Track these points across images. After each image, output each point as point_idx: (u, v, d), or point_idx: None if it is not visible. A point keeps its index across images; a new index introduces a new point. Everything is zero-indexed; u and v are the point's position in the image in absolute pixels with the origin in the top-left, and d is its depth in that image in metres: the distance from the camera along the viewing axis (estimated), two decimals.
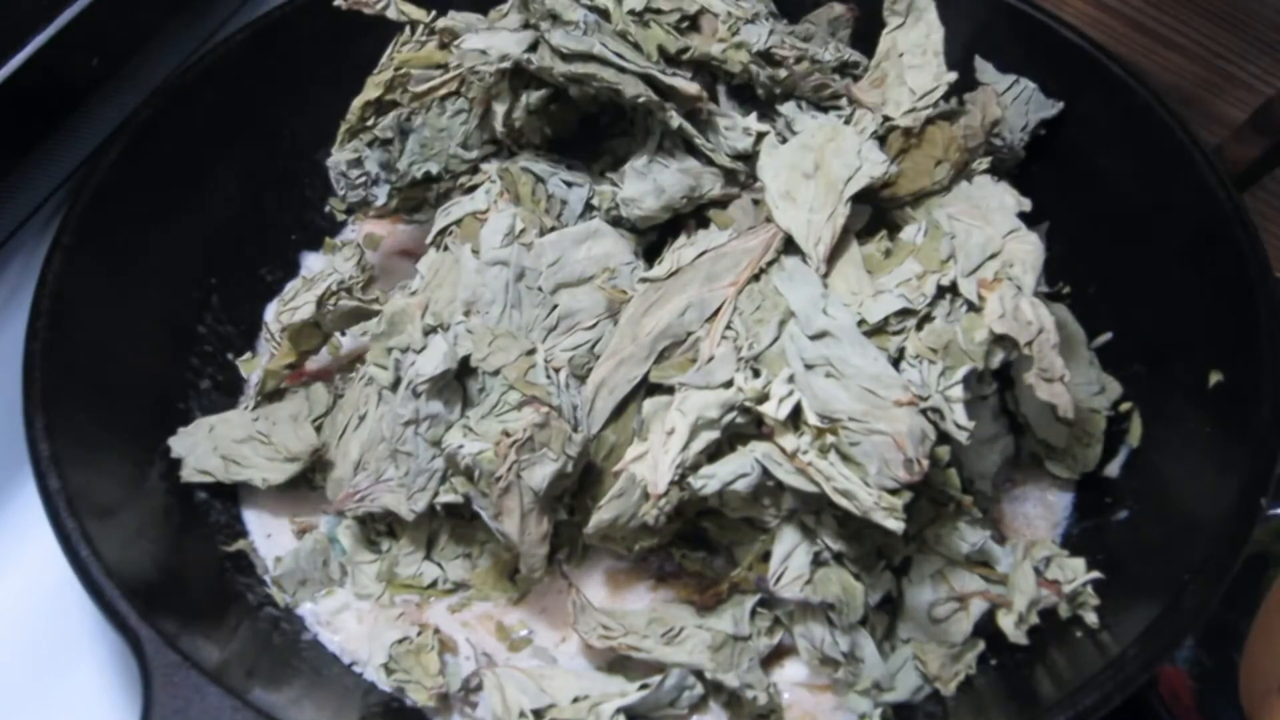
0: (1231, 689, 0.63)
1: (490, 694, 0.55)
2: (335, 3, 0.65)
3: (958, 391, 0.53)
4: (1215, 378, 0.60)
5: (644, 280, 0.60)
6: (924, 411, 0.53)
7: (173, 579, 0.56)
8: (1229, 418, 0.58)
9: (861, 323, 0.55)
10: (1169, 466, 0.62)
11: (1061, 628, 0.57)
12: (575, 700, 0.54)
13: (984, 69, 0.72)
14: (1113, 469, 0.64)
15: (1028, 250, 0.57)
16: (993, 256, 0.57)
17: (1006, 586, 0.58)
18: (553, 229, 0.62)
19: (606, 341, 0.59)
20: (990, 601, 0.57)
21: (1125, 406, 0.65)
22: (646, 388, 0.58)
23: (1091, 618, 0.56)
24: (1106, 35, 0.90)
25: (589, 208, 0.64)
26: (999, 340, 0.54)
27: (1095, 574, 0.57)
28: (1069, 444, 0.64)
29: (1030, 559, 0.58)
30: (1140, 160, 0.68)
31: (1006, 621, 0.57)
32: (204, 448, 0.62)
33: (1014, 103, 0.71)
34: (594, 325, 0.60)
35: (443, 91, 0.65)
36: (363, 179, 0.66)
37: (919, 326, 0.56)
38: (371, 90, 0.66)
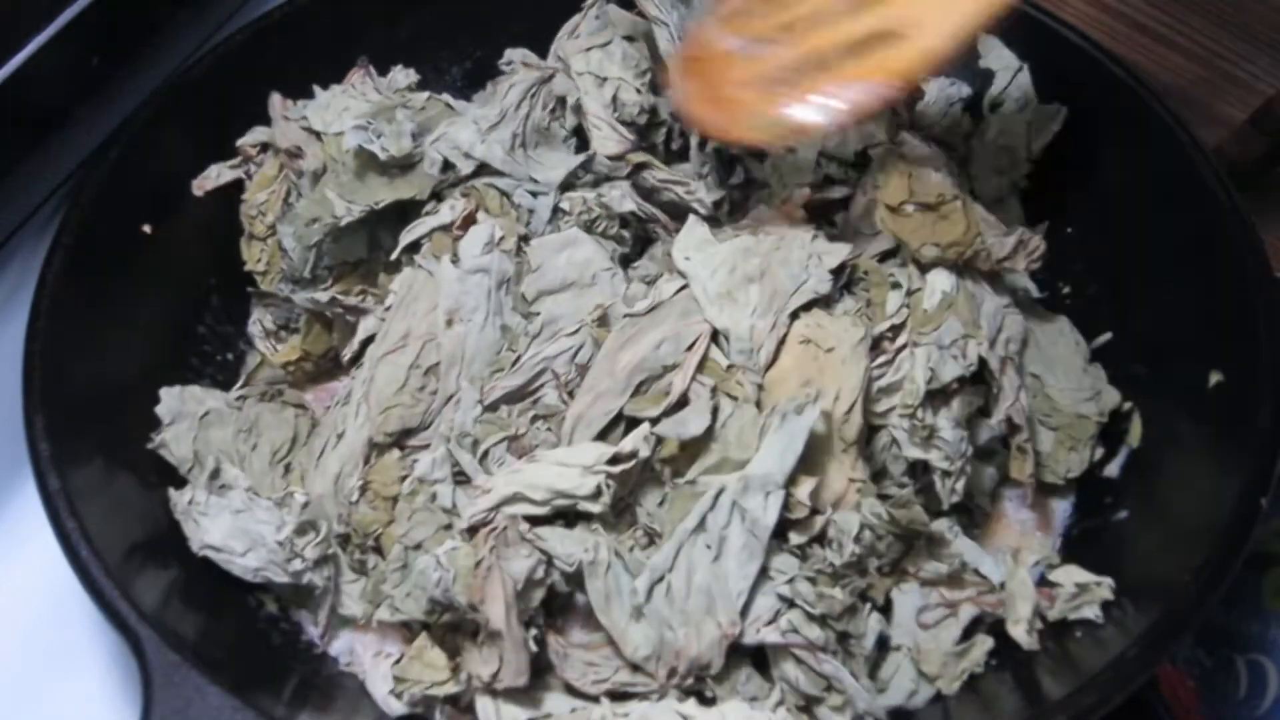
0: (1232, 689, 0.63)
1: (483, 705, 0.54)
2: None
3: (970, 467, 0.58)
4: (1215, 378, 0.60)
5: (626, 316, 0.60)
6: (944, 474, 0.58)
7: (173, 579, 0.56)
8: (1229, 418, 0.58)
9: (932, 379, 0.57)
10: (1169, 466, 0.62)
11: (1061, 627, 0.57)
12: (573, 710, 0.54)
13: (991, 47, 0.72)
14: (1113, 469, 0.64)
15: (1017, 329, 0.61)
16: (999, 330, 0.60)
17: (1002, 594, 0.57)
18: (524, 237, 0.63)
19: (588, 349, 0.60)
20: (980, 607, 0.57)
21: (1126, 407, 0.65)
22: (624, 422, 0.58)
23: (1094, 612, 0.56)
24: (1106, 35, 0.90)
25: (557, 212, 0.65)
26: (1005, 420, 0.59)
27: (1100, 579, 0.57)
28: (1053, 448, 0.64)
29: (1022, 565, 0.58)
30: (1140, 160, 0.68)
31: (1017, 630, 0.56)
32: (186, 427, 0.62)
33: (1014, 115, 0.71)
34: (576, 331, 0.60)
35: (282, 192, 0.67)
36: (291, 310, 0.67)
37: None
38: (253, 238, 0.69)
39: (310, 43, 0.73)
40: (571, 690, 0.55)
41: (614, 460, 0.54)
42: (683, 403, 0.57)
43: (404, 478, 0.59)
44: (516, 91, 0.67)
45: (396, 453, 0.61)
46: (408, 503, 0.58)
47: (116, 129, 0.66)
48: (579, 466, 0.54)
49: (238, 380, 0.69)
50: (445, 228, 0.63)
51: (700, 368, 0.57)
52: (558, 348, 0.60)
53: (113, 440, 0.60)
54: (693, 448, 0.56)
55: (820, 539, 0.55)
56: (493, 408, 0.60)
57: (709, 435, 0.56)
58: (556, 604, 0.55)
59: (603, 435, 0.57)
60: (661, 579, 0.53)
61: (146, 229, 0.66)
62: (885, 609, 0.57)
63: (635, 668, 0.54)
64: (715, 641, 0.52)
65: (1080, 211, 0.70)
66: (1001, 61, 0.72)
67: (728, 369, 0.57)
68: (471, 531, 0.55)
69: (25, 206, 0.67)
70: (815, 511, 0.55)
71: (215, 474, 0.60)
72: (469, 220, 0.63)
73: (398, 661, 0.56)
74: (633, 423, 0.57)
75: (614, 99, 0.66)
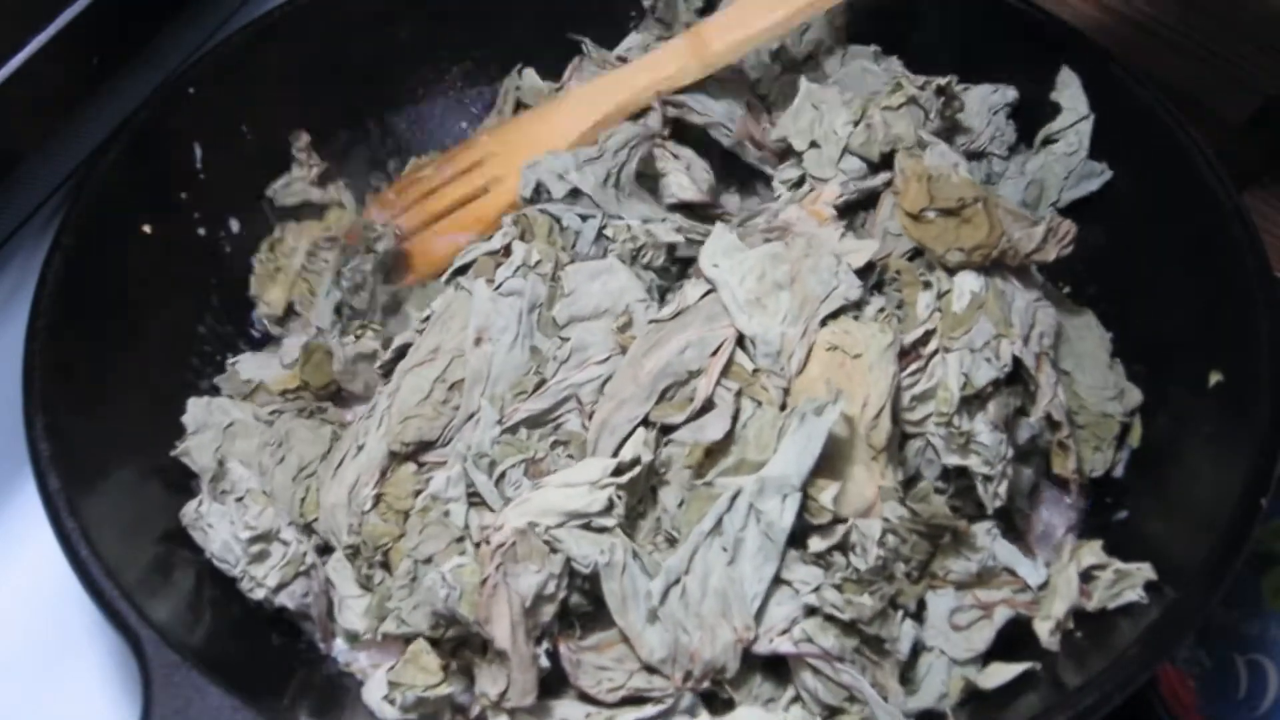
0: (1232, 689, 0.63)
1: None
2: None
3: (1011, 469, 0.57)
4: (1215, 378, 0.60)
5: (652, 322, 0.60)
6: (985, 479, 0.56)
7: (173, 579, 0.56)
8: (1229, 418, 0.58)
9: (966, 385, 0.56)
10: (1169, 467, 0.62)
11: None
12: (587, 716, 0.54)
13: (1067, 84, 0.71)
14: (1116, 470, 0.64)
15: (1049, 322, 0.60)
16: (1031, 326, 0.59)
17: (1039, 594, 0.57)
18: (570, 261, 0.63)
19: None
20: (1015, 608, 0.56)
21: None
22: (649, 428, 0.57)
23: (1137, 594, 0.55)
24: (1106, 35, 0.90)
25: (601, 237, 0.65)
26: (1044, 417, 0.58)
27: (1139, 564, 0.56)
28: (1078, 447, 0.63)
29: (1077, 564, 0.56)
30: (1140, 160, 0.68)
31: (1042, 628, 0.55)
32: (210, 436, 0.62)
33: (1061, 157, 0.70)
34: (605, 360, 0.59)
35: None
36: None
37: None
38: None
39: (310, 43, 0.73)
40: (585, 698, 0.54)
41: (618, 471, 0.54)
42: (707, 408, 0.56)
43: (418, 493, 0.59)
44: (619, 138, 0.68)
45: (413, 466, 0.60)
46: (420, 518, 0.57)
47: (116, 129, 0.66)
48: (585, 484, 0.54)
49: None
50: (493, 253, 0.63)
51: (725, 372, 0.57)
52: (585, 376, 0.59)
53: (113, 440, 0.60)
54: (715, 451, 0.55)
55: (842, 547, 0.54)
56: (512, 430, 0.59)
57: (729, 438, 0.55)
58: (573, 615, 0.54)
59: (627, 440, 0.57)
60: (677, 581, 0.52)
61: (146, 229, 0.66)
62: (918, 614, 0.56)
63: (650, 670, 0.53)
64: (730, 645, 0.52)
65: (1080, 211, 0.70)
66: (1072, 102, 0.70)
67: (753, 373, 0.57)
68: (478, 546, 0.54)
69: (25, 206, 0.67)
70: (838, 520, 0.54)
71: (218, 477, 0.60)
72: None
73: (393, 667, 0.55)
74: (662, 430, 0.57)
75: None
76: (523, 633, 0.51)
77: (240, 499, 0.59)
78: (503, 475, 0.57)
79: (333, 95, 0.74)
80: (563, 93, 0.75)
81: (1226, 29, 0.89)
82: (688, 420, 0.56)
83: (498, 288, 0.61)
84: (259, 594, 0.57)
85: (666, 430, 0.56)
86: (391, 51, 0.75)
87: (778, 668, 0.55)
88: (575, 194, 0.65)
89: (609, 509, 0.53)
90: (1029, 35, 0.72)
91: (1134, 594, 0.55)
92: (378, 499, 0.59)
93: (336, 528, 0.60)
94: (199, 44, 0.75)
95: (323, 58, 0.73)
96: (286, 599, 0.58)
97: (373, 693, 0.56)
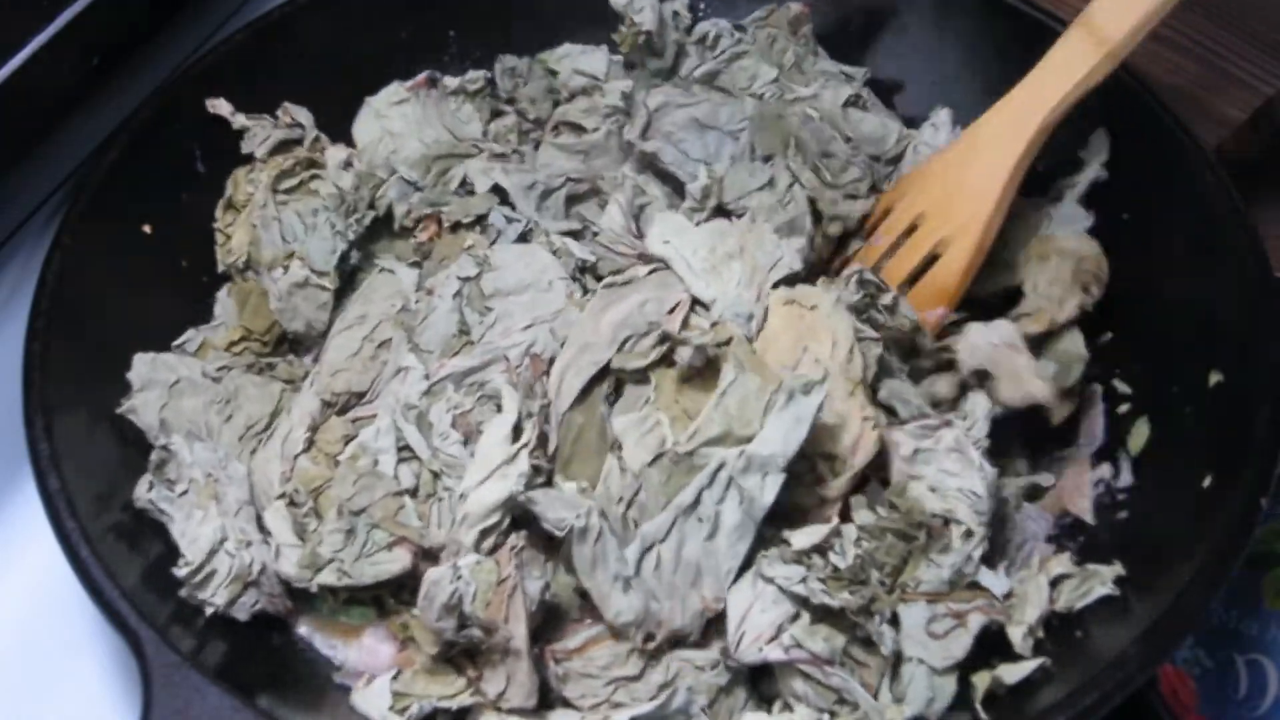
0: (1231, 689, 0.63)
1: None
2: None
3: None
4: (1215, 378, 0.60)
5: (606, 286, 0.63)
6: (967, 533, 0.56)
7: (173, 579, 0.56)
8: (1229, 418, 0.58)
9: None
10: (1169, 466, 0.62)
11: (1064, 628, 0.57)
12: (583, 717, 0.54)
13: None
14: (1125, 478, 0.64)
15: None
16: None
17: (1010, 601, 0.56)
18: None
19: (543, 343, 0.61)
20: (988, 616, 0.56)
21: (1125, 409, 0.65)
22: (614, 386, 0.60)
23: (1107, 588, 0.55)
24: None
25: (522, 239, 0.68)
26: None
27: (1116, 566, 0.57)
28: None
29: (1046, 574, 0.57)
30: (1140, 160, 0.68)
31: (1015, 633, 0.55)
32: (156, 394, 0.61)
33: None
34: (529, 327, 0.62)
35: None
36: None
37: None
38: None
39: (310, 43, 0.73)
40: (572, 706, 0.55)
41: (516, 434, 0.55)
42: (669, 353, 0.58)
43: (348, 440, 0.60)
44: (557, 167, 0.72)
45: (344, 419, 0.62)
46: (349, 466, 0.58)
47: (116, 129, 0.66)
48: (498, 467, 0.55)
49: None
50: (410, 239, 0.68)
51: (683, 327, 0.60)
52: (510, 341, 0.61)
53: (113, 440, 0.60)
54: (689, 380, 0.58)
55: (821, 549, 0.54)
56: (439, 385, 0.60)
57: (707, 400, 0.56)
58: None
59: (590, 386, 0.58)
60: (651, 548, 0.53)
61: (146, 229, 0.66)
62: (894, 626, 0.55)
63: (632, 680, 0.54)
64: (697, 614, 0.53)
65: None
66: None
67: (712, 327, 0.60)
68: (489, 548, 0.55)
69: (25, 206, 0.67)
70: (823, 499, 0.56)
71: (163, 461, 0.58)
72: (430, 221, 0.67)
73: (395, 676, 0.55)
74: (620, 388, 0.60)
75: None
76: (530, 634, 0.52)
77: (185, 492, 0.57)
78: (430, 426, 0.59)
79: (332, 95, 0.73)
80: (970, 132, 0.66)
81: (1226, 29, 0.89)
82: (650, 366, 0.59)
83: (430, 292, 0.64)
84: (208, 610, 0.56)
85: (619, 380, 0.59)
86: (392, 52, 0.75)
87: (759, 684, 0.55)
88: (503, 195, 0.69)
89: (535, 474, 0.55)
90: (1030, 37, 0.72)
91: (1104, 589, 0.56)
92: (309, 444, 0.60)
93: (270, 477, 0.60)
94: (199, 44, 0.75)
95: (323, 57, 0.73)
96: (239, 612, 0.56)
97: (371, 701, 0.54)
